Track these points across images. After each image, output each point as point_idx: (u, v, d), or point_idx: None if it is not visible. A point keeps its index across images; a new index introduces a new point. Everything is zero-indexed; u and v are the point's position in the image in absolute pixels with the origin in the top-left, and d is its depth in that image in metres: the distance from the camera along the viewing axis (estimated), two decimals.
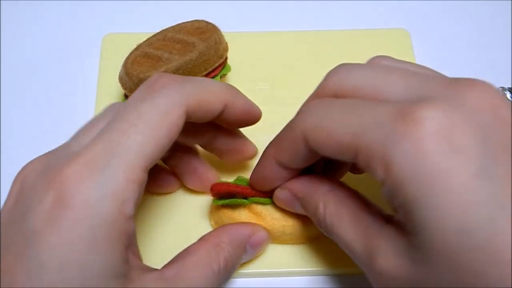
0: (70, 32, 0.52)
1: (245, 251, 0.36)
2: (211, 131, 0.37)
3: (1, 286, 0.25)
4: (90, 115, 0.46)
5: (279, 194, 0.36)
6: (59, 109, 0.47)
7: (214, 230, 0.35)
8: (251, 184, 0.37)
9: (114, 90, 0.46)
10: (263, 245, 0.37)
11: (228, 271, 0.33)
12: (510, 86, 0.46)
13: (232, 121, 0.34)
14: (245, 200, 0.37)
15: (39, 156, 0.30)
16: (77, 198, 0.26)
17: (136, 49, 0.43)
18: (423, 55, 0.49)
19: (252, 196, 0.37)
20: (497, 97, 0.27)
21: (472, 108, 0.26)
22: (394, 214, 0.30)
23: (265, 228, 0.37)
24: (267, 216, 0.37)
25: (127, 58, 0.43)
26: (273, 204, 0.37)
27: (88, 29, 0.52)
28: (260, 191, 0.37)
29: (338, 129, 0.29)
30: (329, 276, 0.39)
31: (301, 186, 0.34)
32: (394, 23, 0.52)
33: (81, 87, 0.48)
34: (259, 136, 0.43)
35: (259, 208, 0.37)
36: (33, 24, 0.53)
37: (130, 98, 0.31)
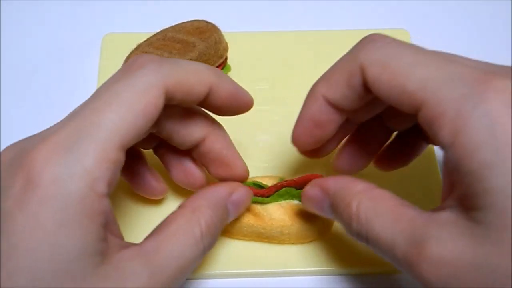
0: (70, 32, 0.52)
1: (227, 211, 0.34)
2: (183, 117, 0.35)
3: None
4: None
5: (309, 191, 0.34)
6: (59, 108, 0.47)
7: (191, 196, 0.33)
8: (294, 137, 0.35)
9: None
10: (245, 201, 0.36)
11: (212, 234, 0.32)
12: None
13: (219, 106, 0.33)
14: None
15: (14, 143, 0.30)
16: (45, 177, 0.25)
17: (136, 48, 0.43)
18: None
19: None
20: None
21: None
22: (444, 203, 0.29)
23: (244, 187, 0.36)
24: (265, 216, 0.37)
25: (127, 57, 0.43)
26: (271, 204, 0.37)
27: (88, 29, 0.52)
28: (270, 187, 0.37)
29: (408, 72, 0.28)
30: (331, 276, 0.39)
31: (333, 182, 0.33)
32: (394, 23, 0.52)
33: (81, 87, 0.48)
34: (259, 136, 0.44)
35: (258, 208, 0.37)
36: (33, 24, 0.53)
37: (107, 79, 0.30)
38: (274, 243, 0.38)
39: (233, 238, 0.39)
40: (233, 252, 0.39)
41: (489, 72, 0.26)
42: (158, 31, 0.45)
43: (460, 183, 0.27)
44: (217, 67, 0.43)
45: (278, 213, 0.37)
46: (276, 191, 0.37)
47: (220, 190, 0.34)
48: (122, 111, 0.27)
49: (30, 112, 0.47)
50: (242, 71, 0.47)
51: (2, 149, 0.44)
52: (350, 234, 0.32)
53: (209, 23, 0.44)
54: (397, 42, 0.30)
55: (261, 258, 0.38)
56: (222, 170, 0.36)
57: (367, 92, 0.30)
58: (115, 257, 0.28)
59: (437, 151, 0.43)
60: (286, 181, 0.38)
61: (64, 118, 0.29)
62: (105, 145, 0.27)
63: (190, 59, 0.41)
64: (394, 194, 0.31)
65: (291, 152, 0.39)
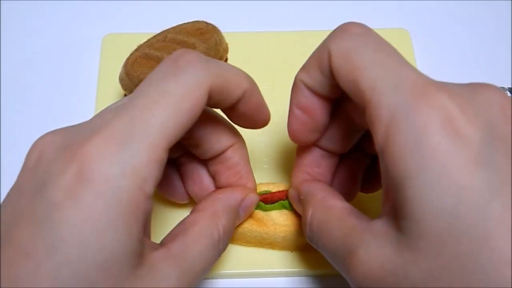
0: (70, 32, 0.52)
1: (238, 216, 0.35)
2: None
3: (22, 255, 0.25)
4: (90, 115, 0.45)
5: (290, 191, 0.37)
6: (59, 109, 0.47)
7: (206, 199, 0.34)
8: (289, 130, 0.35)
9: (114, 91, 0.46)
10: (253, 205, 0.37)
11: (227, 237, 0.33)
12: (510, 86, 0.46)
13: (243, 114, 0.33)
14: None
15: (58, 129, 0.29)
16: (98, 173, 0.25)
17: (136, 50, 0.43)
18: (423, 55, 0.49)
19: None
20: (507, 99, 0.27)
21: (482, 103, 0.26)
22: (382, 209, 0.29)
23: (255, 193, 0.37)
24: (268, 221, 0.37)
25: (128, 59, 0.43)
26: (274, 211, 0.38)
27: (88, 29, 0.52)
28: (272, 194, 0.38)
29: (363, 69, 0.28)
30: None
31: (305, 189, 0.35)
32: (394, 23, 0.52)
33: (81, 88, 0.48)
34: (258, 136, 0.44)
35: (261, 213, 0.37)
36: (33, 24, 0.53)
37: (152, 73, 0.29)
38: (277, 249, 0.39)
39: (235, 243, 0.39)
40: (235, 254, 0.39)
41: (430, 84, 0.27)
42: (158, 31, 0.45)
43: (390, 191, 0.27)
44: None
45: (281, 219, 0.37)
46: (279, 199, 0.38)
47: (235, 195, 0.35)
48: (171, 110, 0.27)
49: (30, 112, 0.47)
50: None
51: (1, 149, 0.44)
52: (307, 239, 0.34)
53: (209, 24, 0.44)
54: (365, 35, 0.30)
55: (263, 259, 0.39)
56: (234, 181, 0.36)
57: (335, 81, 0.31)
58: (149, 258, 0.28)
59: None
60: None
61: (107, 112, 0.29)
62: (155, 145, 0.27)
63: None
64: (347, 204, 0.32)
65: (291, 153, 0.39)
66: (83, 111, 0.46)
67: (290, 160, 0.42)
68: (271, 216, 0.37)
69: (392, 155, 0.26)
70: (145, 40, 0.44)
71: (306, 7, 0.54)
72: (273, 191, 0.38)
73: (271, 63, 0.49)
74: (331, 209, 0.32)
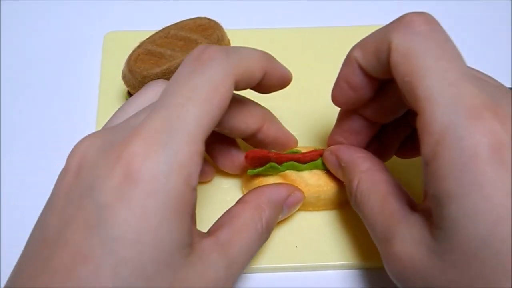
0: (72, 30, 0.52)
1: (281, 211, 0.36)
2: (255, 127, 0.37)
3: (80, 258, 0.26)
4: (93, 113, 0.46)
5: (328, 157, 0.38)
6: (61, 107, 0.47)
7: (252, 191, 0.36)
8: (332, 96, 0.36)
9: (116, 88, 0.46)
10: (298, 204, 0.38)
11: (269, 231, 0.34)
12: (510, 86, 0.47)
13: (269, 87, 0.35)
14: (279, 167, 0.38)
15: (96, 132, 0.30)
16: (145, 173, 0.26)
17: (139, 46, 0.43)
18: None
19: (286, 161, 0.38)
20: None
21: None
22: (422, 203, 0.31)
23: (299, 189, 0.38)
24: (301, 183, 0.38)
25: (130, 55, 0.43)
26: (307, 170, 0.38)
27: (90, 27, 0.52)
28: (309, 153, 0.38)
29: (422, 75, 0.28)
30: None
31: (346, 157, 0.36)
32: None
33: (84, 85, 0.48)
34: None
35: (294, 175, 0.38)
36: (35, 22, 0.53)
37: (177, 72, 0.30)
38: (309, 209, 0.39)
39: None
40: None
41: (486, 107, 0.27)
42: (160, 29, 0.45)
43: (430, 199, 0.28)
44: None
45: (313, 179, 0.38)
46: (312, 160, 0.39)
47: (280, 191, 0.36)
48: (202, 105, 0.28)
49: (32, 110, 0.47)
50: None
51: (2, 147, 0.44)
52: (352, 205, 0.36)
53: (211, 20, 0.44)
54: (429, 34, 0.30)
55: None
56: (279, 148, 0.38)
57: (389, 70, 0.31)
58: (199, 247, 0.29)
59: None
60: (323, 149, 0.39)
61: (142, 112, 0.30)
62: (193, 139, 0.28)
63: None
64: (393, 179, 0.34)
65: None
66: (85, 109, 0.46)
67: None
68: (303, 177, 0.38)
69: (437, 171, 0.27)
70: (147, 37, 0.44)
71: (308, 4, 0.54)
72: (303, 151, 0.39)
73: None
74: (376, 185, 0.33)
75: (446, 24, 0.53)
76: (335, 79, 0.35)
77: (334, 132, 0.38)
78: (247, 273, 0.39)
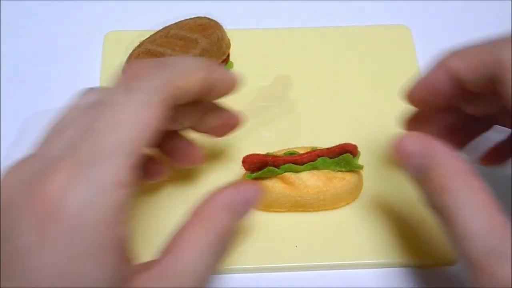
0: (73, 29, 0.52)
1: (237, 211, 0.32)
2: (197, 112, 0.36)
3: None
4: None
5: (408, 144, 0.31)
6: (61, 107, 0.47)
7: (204, 200, 0.32)
8: (408, 93, 0.35)
9: None
10: (254, 196, 0.33)
11: (224, 239, 0.31)
12: None
13: (213, 94, 0.33)
14: (277, 170, 0.38)
15: (21, 162, 0.28)
16: (65, 209, 0.25)
17: (139, 46, 0.43)
18: (424, 52, 0.49)
19: (284, 163, 0.38)
20: None
21: None
22: None
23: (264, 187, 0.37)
24: (300, 184, 0.38)
25: (130, 54, 0.43)
26: (304, 172, 0.38)
27: (90, 26, 0.52)
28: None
29: None
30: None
31: (440, 150, 0.31)
32: (395, 19, 0.52)
33: (84, 85, 0.47)
34: (260, 131, 0.44)
35: (292, 177, 0.38)
36: (35, 22, 0.53)
37: (105, 95, 0.29)
38: (309, 211, 0.39)
39: (268, 211, 0.40)
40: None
41: None
42: (160, 28, 0.45)
43: None
44: (220, 63, 0.44)
45: (312, 180, 0.38)
46: (309, 160, 0.38)
47: (225, 193, 0.32)
48: (130, 131, 0.27)
49: (32, 109, 0.47)
50: (244, 67, 0.47)
51: (2, 147, 0.44)
52: (425, 202, 0.31)
53: (212, 20, 0.44)
54: None
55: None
56: (220, 126, 0.37)
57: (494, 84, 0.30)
58: (136, 281, 0.28)
59: None
60: (320, 150, 0.39)
61: (69, 130, 0.28)
62: (118, 171, 0.26)
63: (193, 56, 0.41)
64: (486, 186, 0.30)
65: None
66: None
67: None
68: (302, 178, 0.38)
69: None
70: (147, 36, 0.44)
71: (308, 4, 0.54)
72: (301, 152, 0.39)
73: (273, 59, 0.49)
74: (477, 192, 0.29)
75: (447, 20, 0.53)
76: (417, 79, 0.34)
77: (414, 117, 0.37)
78: (247, 273, 0.39)
